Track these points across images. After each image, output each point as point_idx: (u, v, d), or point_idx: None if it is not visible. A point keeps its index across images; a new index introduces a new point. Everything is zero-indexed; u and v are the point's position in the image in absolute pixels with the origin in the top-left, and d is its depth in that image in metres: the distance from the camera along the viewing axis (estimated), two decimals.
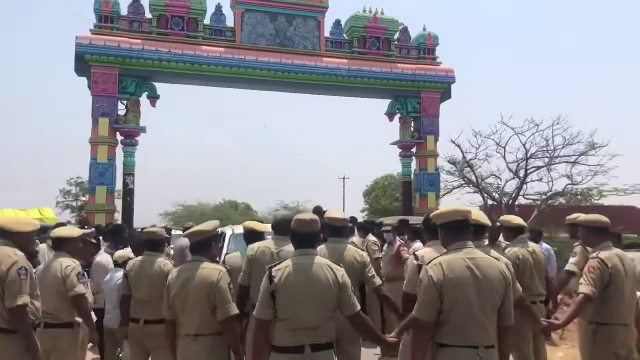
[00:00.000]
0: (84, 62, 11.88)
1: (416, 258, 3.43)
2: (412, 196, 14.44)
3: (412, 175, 14.50)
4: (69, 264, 3.85)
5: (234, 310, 3.20)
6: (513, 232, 4.55)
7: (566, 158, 14.37)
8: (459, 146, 14.59)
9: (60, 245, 4.00)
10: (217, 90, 14.54)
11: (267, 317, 2.73)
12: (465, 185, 15.63)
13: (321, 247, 3.75)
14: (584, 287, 3.48)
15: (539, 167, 14.64)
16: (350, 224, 7.34)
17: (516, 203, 14.60)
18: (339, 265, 2.99)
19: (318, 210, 8.07)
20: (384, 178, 39.55)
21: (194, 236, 3.38)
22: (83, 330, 3.83)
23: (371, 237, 6.95)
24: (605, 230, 3.73)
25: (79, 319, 3.79)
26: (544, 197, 14.83)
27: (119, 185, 12.40)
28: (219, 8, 13.11)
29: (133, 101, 12.41)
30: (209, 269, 3.27)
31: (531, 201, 15.34)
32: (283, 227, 4.12)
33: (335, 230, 3.88)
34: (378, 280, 3.75)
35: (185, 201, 41.20)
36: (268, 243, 4.11)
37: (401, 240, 6.76)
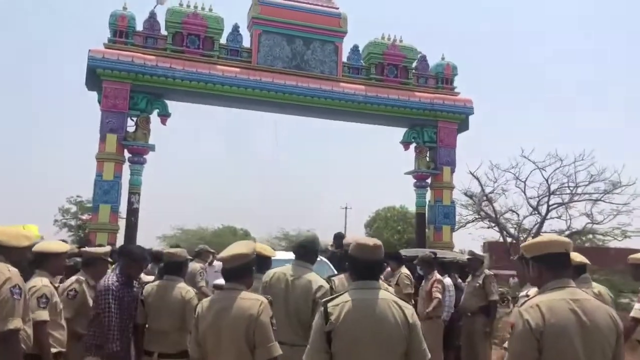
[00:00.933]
0: (95, 76, 11.54)
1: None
2: (427, 228, 13.93)
3: (427, 207, 14.02)
4: (34, 284, 3.31)
5: (278, 350, 2.67)
6: (575, 272, 4.06)
7: (588, 196, 13.92)
8: (477, 179, 14.18)
9: (41, 261, 3.48)
10: (233, 112, 14.11)
11: None
12: (479, 219, 15.14)
13: (339, 277, 3.48)
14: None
15: (560, 204, 14.20)
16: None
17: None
18: (406, 301, 2.50)
19: (340, 236, 7.60)
20: (386, 210, 39.10)
21: (233, 261, 2.86)
22: None
23: (404, 270, 6.44)
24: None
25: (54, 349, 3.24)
26: (562, 235, 14.37)
27: (122, 204, 11.89)
28: (236, 28, 12.86)
29: (143, 118, 12.02)
30: (249, 300, 2.74)
31: None
32: (304, 250, 3.72)
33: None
34: None
35: (185, 225, 40.72)
36: (285, 269, 3.65)
37: (439, 276, 6.24)
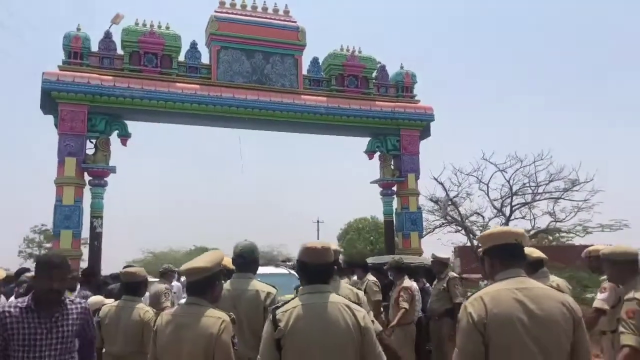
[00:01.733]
0: (50, 99, 11.28)
1: None
2: (396, 236, 14.02)
3: (394, 215, 14.12)
4: None
5: None
6: (533, 267, 4.13)
7: (549, 195, 14.25)
8: (441, 184, 14.41)
9: None
10: (189, 129, 13.98)
11: None
12: (446, 224, 15.32)
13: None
14: (628, 337, 2.81)
15: (523, 204, 14.49)
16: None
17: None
18: (359, 304, 2.47)
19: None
20: (358, 221, 39.25)
21: (193, 274, 2.78)
22: None
23: (371, 277, 6.43)
24: (635, 263, 3.25)
25: None
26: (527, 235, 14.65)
27: (85, 230, 11.59)
28: (194, 45, 12.79)
29: (103, 140, 11.79)
30: (210, 318, 2.66)
31: None
32: (243, 260, 3.57)
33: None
34: (378, 326, 3.17)
35: (155, 248, 39.94)
36: (227, 284, 3.44)
37: (407, 282, 6.23)
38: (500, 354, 2.03)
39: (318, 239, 41.00)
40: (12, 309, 2.69)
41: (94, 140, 11.74)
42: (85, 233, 11.63)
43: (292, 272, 7.10)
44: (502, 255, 2.32)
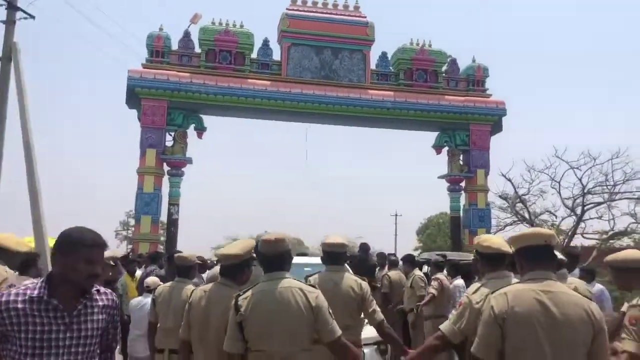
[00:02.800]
0: (134, 95, 12.24)
1: None
2: (462, 232, 13.84)
3: (462, 211, 13.94)
4: None
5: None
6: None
7: (629, 194, 13.43)
8: (510, 180, 13.98)
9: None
10: (266, 123, 14.56)
11: (236, 351, 2.49)
12: (519, 222, 14.86)
13: (314, 276, 3.48)
14: (629, 343, 2.71)
15: (597, 204, 13.76)
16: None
17: (576, 243, 13.70)
18: (314, 286, 2.68)
19: (365, 248, 7.78)
20: (438, 216, 38.65)
21: (225, 260, 3.14)
22: None
23: (418, 272, 6.56)
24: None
25: None
26: (604, 236, 13.85)
27: (164, 216, 12.48)
28: (266, 42, 13.31)
29: (180, 133, 12.63)
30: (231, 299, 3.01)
31: (596, 241, 14.33)
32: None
33: (333, 256, 3.52)
34: (379, 316, 3.33)
35: (238, 235, 41.74)
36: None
37: (439, 275, 6.29)
38: (514, 350, 2.12)
39: (396, 232, 40.67)
40: (18, 299, 1.97)
41: (172, 133, 12.60)
42: (164, 219, 12.54)
43: (346, 265, 7.40)
44: (530, 257, 2.34)
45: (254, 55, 13.11)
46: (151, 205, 11.96)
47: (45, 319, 2.02)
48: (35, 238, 9.44)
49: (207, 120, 13.00)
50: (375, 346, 5.27)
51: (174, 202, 12.51)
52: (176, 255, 4.60)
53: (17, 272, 3.35)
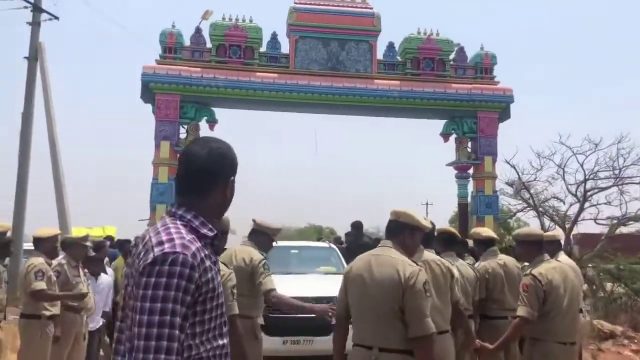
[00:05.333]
0: (148, 90, 12.87)
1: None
2: (469, 219, 14.00)
3: (469, 198, 14.08)
4: (31, 262, 4.25)
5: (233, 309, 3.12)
6: (484, 245, 4.44)
7: (637, 179, 13.27)
8: (513, 167, 14.02)
9: (37, 245, 4.43)
10: (278, 115, 15.00)
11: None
12: (529, 208, 14.88)
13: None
14: (521, 309, 3.22)
15: (602, 189, 13.65)
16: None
17: (580, 230, 13.68)
18: (452, 275, 3.31)
19: (357, 225, 8.17)
20: None
21: None
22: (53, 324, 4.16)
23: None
24: (539, 243, 3.49)
25: (48, 312, 4.13)
26: (614, 222, 13.75)
27: None
28: (274, 36, 13.71)
29: (193, 125, 13.21)
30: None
31: (607, 227, 14.23)
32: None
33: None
34: (457, 296, 3.46)
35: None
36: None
37: None
38: None
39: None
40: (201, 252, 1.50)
41: (185, 126, 13.20)
42: None
43: (332, 245, 8.03)
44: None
45: (262, 49, 13.53)
46: (165, 194, 12.59)
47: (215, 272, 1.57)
48: (60, 227, 10.10)
49: (218, 112, 13.56)
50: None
51: None
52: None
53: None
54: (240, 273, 3.64)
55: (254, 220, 4.21)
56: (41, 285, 4.18)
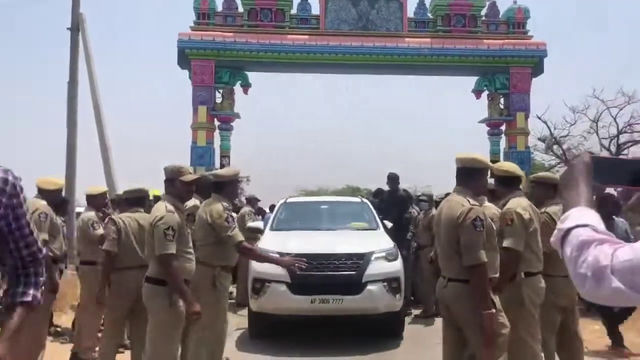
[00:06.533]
0: (184, 56, 13.29)
1: None
2: None
3: (502, 154, 14.13)
4: (85, 216, 4.80)
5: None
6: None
7: None
8: (545, 122, 13.92)
9: (88, 201, 4.99)
10: (310, 76, 15.23)
11: None
12: (562, 164, 14.84)
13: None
14: (505, 241, 3.39)
15: (636, 142, 13.46)
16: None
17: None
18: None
19: (393, 177, 8.32)
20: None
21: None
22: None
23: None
24: (515, 180, 3.66)
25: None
26: None
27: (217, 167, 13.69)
28: None
29: (228, 90, 13.63)
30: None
31: None
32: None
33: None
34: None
35: (306, 187, 43.18)
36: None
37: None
38: None
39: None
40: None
41: (220, 91, 13.62)
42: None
43: (365, 200, 7.96)
44: None
45: (293, 11, 13.69)
46: (204, 157, 13.17)
47: None
48: (108, 188, 10.66)
49: (252, 76, 13.91)
50: (384, 283, 5.56)
51: (225, 154, 13.68)
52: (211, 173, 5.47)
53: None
54: (203, 224, 3.95)
55: (213, 175, 4.38)
56: (100, 232, 4.73)
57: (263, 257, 4.73)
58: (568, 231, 1.11)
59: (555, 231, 1.14)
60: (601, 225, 1.09)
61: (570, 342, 3.66)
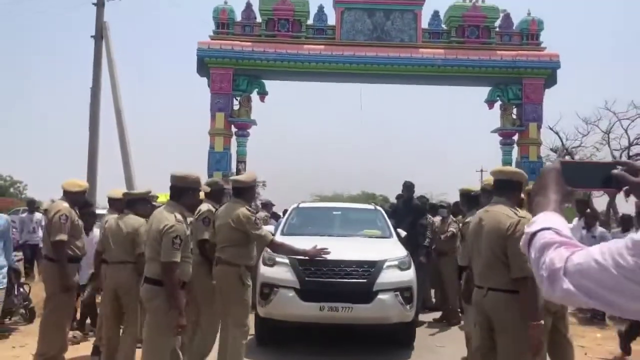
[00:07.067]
0: (204, 65, 13.69)
1: None
2: None
3: (514, 164, 14.25)
4: (111, 218, 5.10)
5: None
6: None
7: None
8: (557, 133, 14.03)
9: (110, 203, 5.43)
10: (325, 85, 15.53)
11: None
12: None
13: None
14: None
15: None
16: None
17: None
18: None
19: (410, 186, 8.48)
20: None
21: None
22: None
23: None
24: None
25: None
26: None
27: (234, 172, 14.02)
28: (321, 9, 14.16)
29: (245, 97, 13.99)
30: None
31: None
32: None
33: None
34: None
35: (322, 192, 43.50)
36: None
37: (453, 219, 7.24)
38: None
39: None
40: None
41: (238, 98, 13.99)
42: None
43: (378, 207, 7.99)
44: None
45: (310, 21, 14.03)
46: (221, 162, 13.53)
47: None
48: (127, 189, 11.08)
49: (269, 84, 14.26)
50: (396, 292, 5.31)
51: (241, 160, 14.03)
52: (232, 178, 5.72)
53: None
54: (226, 227, 4.26)
55: (231, 180, 4.73)
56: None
57: (293, 251, 4.93)
58: (534, 235, 1.14)
59: (523, 235, 1.18)
60: (565, 229, 1.12)
61: (562, 346, 3.87)
